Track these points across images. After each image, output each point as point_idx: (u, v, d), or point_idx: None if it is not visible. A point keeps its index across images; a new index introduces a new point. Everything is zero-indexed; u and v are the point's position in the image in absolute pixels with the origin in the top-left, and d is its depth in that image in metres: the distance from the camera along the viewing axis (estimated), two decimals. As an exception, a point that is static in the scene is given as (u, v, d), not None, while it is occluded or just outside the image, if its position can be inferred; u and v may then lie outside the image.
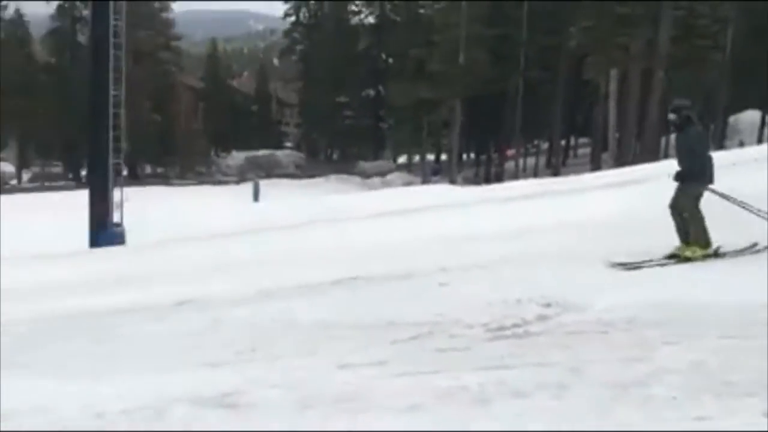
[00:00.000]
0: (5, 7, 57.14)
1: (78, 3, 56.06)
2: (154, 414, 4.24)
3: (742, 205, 7.98)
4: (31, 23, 60.41)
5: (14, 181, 59.39)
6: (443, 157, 60.21)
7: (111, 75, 16.19)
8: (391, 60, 62.38)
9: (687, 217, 7.88)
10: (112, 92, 16.23)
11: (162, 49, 59.42)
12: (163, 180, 54.49)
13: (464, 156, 60.72)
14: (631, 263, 7.84)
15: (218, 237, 15.49)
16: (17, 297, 9.44)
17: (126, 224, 17.08)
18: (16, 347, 6.82)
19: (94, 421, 4.18)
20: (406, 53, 53.80)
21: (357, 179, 53.47)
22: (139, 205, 20.47)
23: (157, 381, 4.85)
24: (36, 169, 62.45)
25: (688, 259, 7.76)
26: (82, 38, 54.00)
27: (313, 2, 65.36)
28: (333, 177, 54.09)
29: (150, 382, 4.85)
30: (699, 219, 7.81)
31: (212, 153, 66.18)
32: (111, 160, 16.61)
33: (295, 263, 10.77)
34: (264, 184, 40.16)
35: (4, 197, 40.78)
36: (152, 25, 57.47)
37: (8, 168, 62.04)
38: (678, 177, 7.96)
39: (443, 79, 47.90)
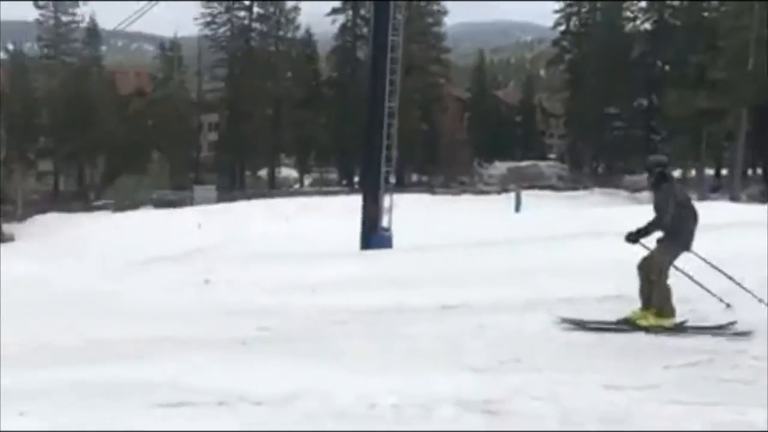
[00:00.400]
0: (297, 27, 63.25)
1: (360, 21, 60.36)
2: (422, 412, 4.40)
3: (700, 283, 7.27)
4: (319, 42, 66.26)
5: (297, 185, 65.45)
6: (724, 171, 55.33)
7: (387, 88, 17.14)
8: (667, 67, 58.76)
9: (653, 280, 6.95)
10: (387, 104, 17.17)
11: (432, 62, 61.82)
12: (427, 188, 56.54)
13: (749, 171, 55.26)
14: (579, 321, 7.09)
15: (479, 245, 15.70)
16: (300, 291, 10.38)
17: (393, 229, 17.94)
18: (298, 336, 7.51)
19: (367, 410, 4.45)
20: (685, 60, 50.32)
21: (623, 193, 51.07)
22: (405, 211, 21.47)
23: (425, 380, 5.03)
24: (315, 175, 68.24)
25: (643, 328, 6.82)
26: (362, 54, 57.99)
27: (584, 10, 63.77)
28: (597, 190, 52.23)
29: (418, 380, 5.04)
30: (664, 286, 6.95)
31: (475, 163, 67.38)
32: (383, 168, 17.57)
33: (557, 275, 10.55)
34: (526, 195, 39.95)
35: (289, 200, 45.10)
36: (425, 39, 60.07)
37: (292, 173, 68.56)
38: (630, 238, 7.19)
39: (728, 86, 44.00)
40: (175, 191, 50.68)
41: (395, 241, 17.28)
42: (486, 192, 54.14)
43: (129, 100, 59.88)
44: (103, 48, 62.58)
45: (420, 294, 9.51)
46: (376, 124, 17.37)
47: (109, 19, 59.58)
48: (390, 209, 17.72)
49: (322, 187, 59.63)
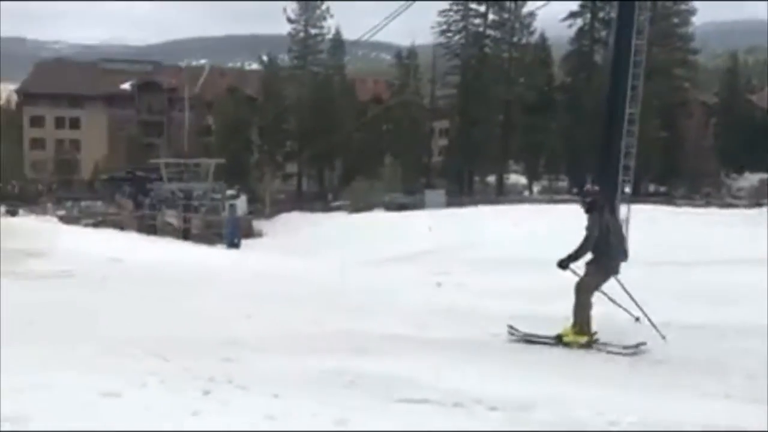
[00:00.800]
0: (532, 33, 62.66)
1: (597, 25, 58.43)
2: (666, 434, 4.15)
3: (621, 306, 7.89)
4: (553, 47, 65.12)
5: (526, 192, 64.80)
6: None
7: (628, 93, 16.36)
8: None
9: (582, 300, 7.50)
10: (627, 110, 16.40)
11: (677, 65, 58.09)
12: (666, 199, 53.13)
13: None
14: (528, 335, 7.66)
15: (724, 263, 14.56)
16: (530, 298, 10.25)
17: (629, 241, 17.06)
18: (529, 345, 7.42)
19: (607, 427, 4.28)
20: None
21: None
22: (642, 223, 20.34)
23: (671, 403, 4.73)
24: (544, 182, 67.07)
25: (565, 343, 7.41)
26: (599, 58, 56.06)
27: None
28: None
29: (662, 402, 4.76)
30: (585, 305, 7.49)
31: (722, 173, 62.21)
32: (620, 177, 16.79)
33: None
34: (783, 209, 36.15)
35: (517, 206, 44.74)
36: (670, 41, 56.58)
37: (521, 180, 68.01)
38: (561, 264, 7.58)
39: None
40: (407, 195, 52.42)
41: (631, 254, 16.41)
42: (734, 205, 49.74)
43: (366, 106, 63.06)
44: (346, 57, 66.41)
45: (658, 312, 8.95)
46: (614, 131, 16.66)
47: (352, 30, 63.53)
48: (627, 221, 16.90)
49: (552, 195, 58.44)
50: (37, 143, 68.25)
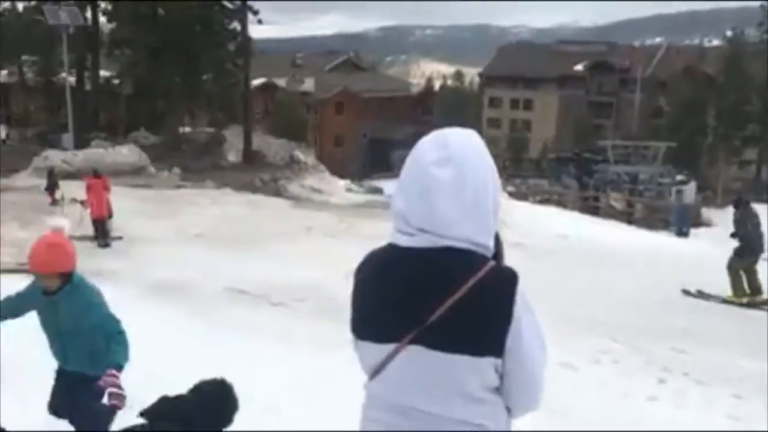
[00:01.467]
0: None
1: None
2: None
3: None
4: None
5: None
6: None
7: None
8: None
9: (736, 275, 9.26)
10: None
11: None
12: None
13: None
14: (704, 294, 9.45)
15: None
16: None
17: None
18: None
19: None
20: None
21: None
22: None
23: None
24: None
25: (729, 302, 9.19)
26: None
27: None
28: None
29: None
30: (735, 278, 9.26)
31: None
32: None
33: None
34: None
35: None
36: None
37: None
38: (732, 235, 9.54)
39: None
40: None
41: None
42: None
43: None
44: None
45: None
46: None
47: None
48: None
49: None
50: (494, 122, 73.89)
